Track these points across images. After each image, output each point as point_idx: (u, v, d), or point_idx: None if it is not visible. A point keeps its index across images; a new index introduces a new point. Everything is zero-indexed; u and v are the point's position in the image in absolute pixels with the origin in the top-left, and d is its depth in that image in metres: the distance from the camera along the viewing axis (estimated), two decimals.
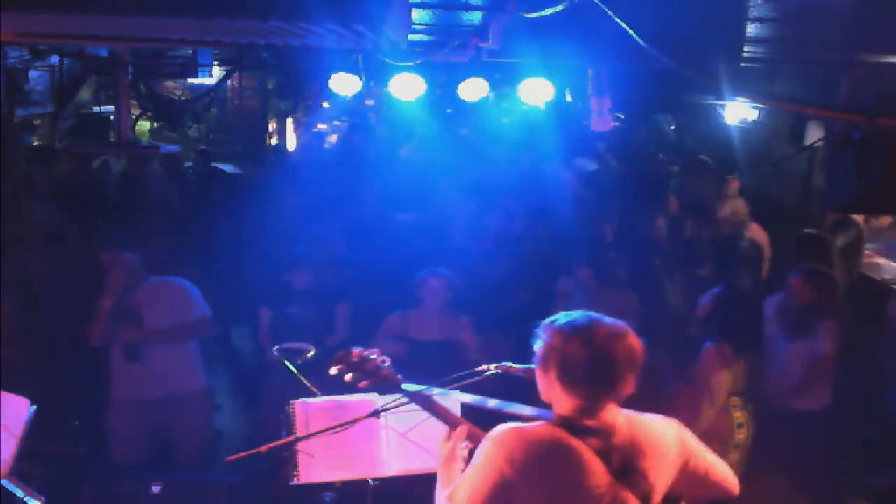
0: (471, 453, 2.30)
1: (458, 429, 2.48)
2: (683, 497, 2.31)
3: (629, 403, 2.27)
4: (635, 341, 2.19)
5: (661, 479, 2.21)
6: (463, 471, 2.44)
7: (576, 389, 2.17)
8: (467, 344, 4.77)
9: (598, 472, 2.11)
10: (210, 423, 4.82)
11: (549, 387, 2.24)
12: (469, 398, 2.54)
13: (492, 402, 2.39)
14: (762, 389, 4.57)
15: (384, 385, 2.62)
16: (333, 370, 2.58)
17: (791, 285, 4.59)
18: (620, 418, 2.21)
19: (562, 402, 2.21)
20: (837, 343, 4.52)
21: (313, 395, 3.30)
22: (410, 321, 4.80)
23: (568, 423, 2.15)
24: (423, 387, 2.61)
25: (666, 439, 2.25)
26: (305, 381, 3.33)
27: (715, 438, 4.18)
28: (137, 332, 4.41)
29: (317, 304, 4.86)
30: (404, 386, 2.60)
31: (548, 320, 2.27)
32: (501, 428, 2.16)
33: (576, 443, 2.12)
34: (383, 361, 2.61)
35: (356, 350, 2.60)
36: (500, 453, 2.10)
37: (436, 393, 2.58)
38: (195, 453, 4.63)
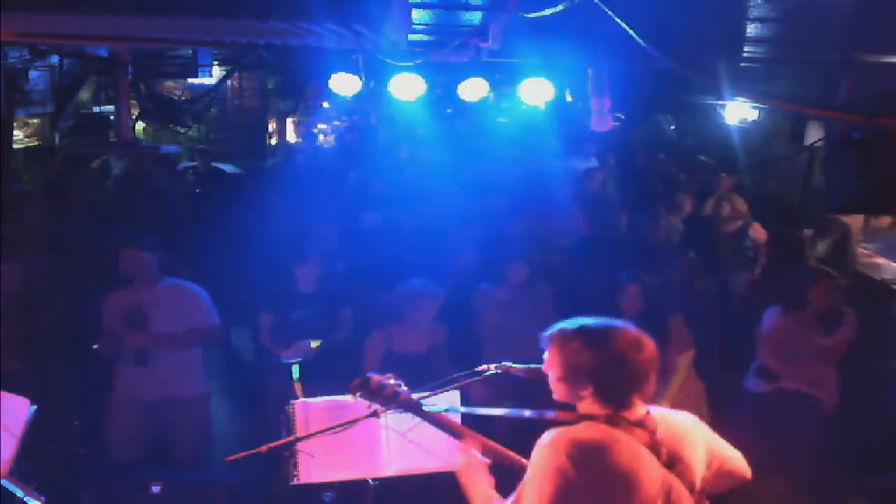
0: (519, 468, 2.29)
1: (467, 440, 2.51)
2: (706, 490, 2.33)
3: None
4: (650, 342, 2.24)
5: (699, 469, 2.25)
6: (490, 481, 2.45)
7: (610, 398, 2.20)
8: (442, 350, 4.69)
9: (653, 465, 2.13)
10: (208, 427, 4.78)
11: (575, 397, 2.25)
12: (502, 412, 2.55)
13: (527, 413, 2.39)
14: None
15: (404, 409, 2.65)
16: (351, 398, 2.64)
17: (818, 289, 4.64)
18: (653, 414, 2.25)
19: (593, 407, 2.23)
20: (855, 330, 4.65)
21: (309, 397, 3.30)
22: (394, 337, 4.65)
23: (611, 420, 2.17)
24: (444, 408, 2.65)
25: (694, 432, 2.30)
26: (299, 392, 3.30)
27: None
28: (145, 338, 4.38)
29: (320, 307, 4.82)
30: (426, 408, 2.63)
31: (560, 327, 2.28)
32: (552, 435, 2.15)
33: (627, 438, 2.14)
34: (399, 386, 2.64)
35: (374, 377, 2.63)
36: (560, 458, 2.09)
37: (459, 413, 2.63)
38: (192, 456, 4.62)
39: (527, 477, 2.19)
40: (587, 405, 2.24)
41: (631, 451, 2.12)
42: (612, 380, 2.18)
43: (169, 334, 4.43)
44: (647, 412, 2.23)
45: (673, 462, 2.17)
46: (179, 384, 4.53)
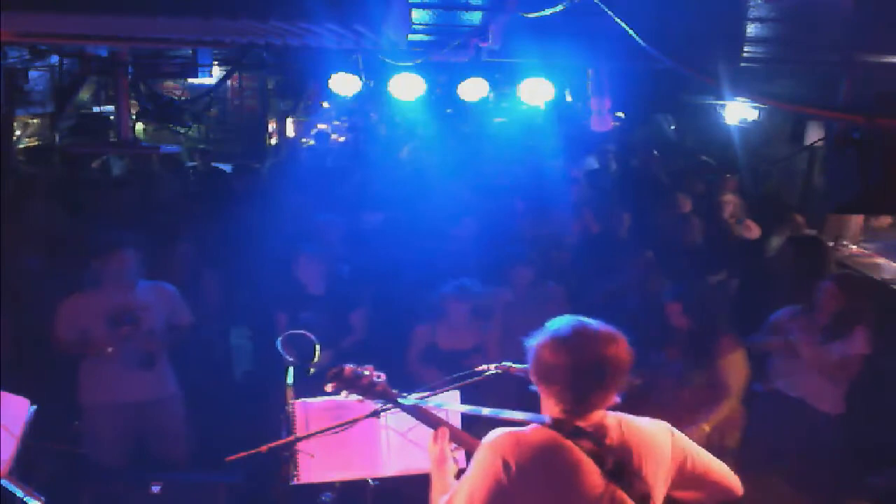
0: (467, 456, 2.31)
1: (439, 430, 2.52)
2: (695, 501, 2.31)
3: (629, 408, 2.28)
4: (622, 348, 2.18)
5: (658, 480, 2.20)
6: (457, 474, 2.45)
7: (559, 395, 2.18)
8: (490, 349, 4.69)
9: (593, 474, 2.11)
10: (183, 427, 4.73)
11: (538, 389, 2.26)
12: (464, 408, 2.57)
13: (486, 411, 2.39)
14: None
15: (381, 400, 2.66)
16: (329, 388, 2.62)
17: (825, 292, 4.49)
18: (611, 420, 2.22)
19: (549, 405, 2.23)
20: (869, 348, 4.44)
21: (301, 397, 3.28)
22: (438, 333, 4.76)
23: (559, 426, 2.16)
24: (419, 400, 2.64)
25: (659, 441, 2.25)
26: (289, 397, 3.27)
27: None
28: (150, 339, 4.37)
29: (331, 309, 4.82)
30: (401, 400, 2.63)
31: (547, 325, 2.27)
32: (496, 433, 2.16)
33: (569, 445, 2.12)
34: (378, 377, 2.64)
35: (348, 367, 2.62)
36: (497, 459, 2.10)
37: (432, 405, 2.62)
38: (171, 457, 4.61)
39: (466, 473, 2.19)
40: (545, 402, 2.24)
41: (570, 458, 2.10)
42: (559, 381, 2.16)
43: (164, 334, 4.45)
44: (603, 419, 2.20)
45: (619, 472, 2.13)
46: (159, 384, 4.54)
